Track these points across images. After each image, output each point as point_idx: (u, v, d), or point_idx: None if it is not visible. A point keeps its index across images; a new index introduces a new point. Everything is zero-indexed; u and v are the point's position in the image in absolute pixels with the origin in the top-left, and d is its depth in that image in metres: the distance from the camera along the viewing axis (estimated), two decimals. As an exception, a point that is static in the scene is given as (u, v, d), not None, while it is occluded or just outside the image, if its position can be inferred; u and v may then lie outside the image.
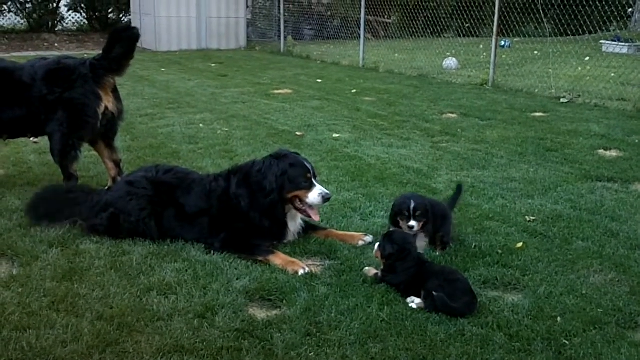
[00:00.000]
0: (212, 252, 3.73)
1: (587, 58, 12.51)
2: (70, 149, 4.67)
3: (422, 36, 14.78)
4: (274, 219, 3.86)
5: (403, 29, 16.10)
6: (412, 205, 3.67)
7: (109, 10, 21.67)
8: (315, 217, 3.89)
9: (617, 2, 13.22)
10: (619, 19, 15.12)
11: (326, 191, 3.86)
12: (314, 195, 3.80)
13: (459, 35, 15.56)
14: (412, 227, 3.66)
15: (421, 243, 3.71)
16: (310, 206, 3.84)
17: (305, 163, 3.90)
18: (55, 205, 4.16)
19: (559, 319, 3.05)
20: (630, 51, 14.10)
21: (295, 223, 3.98)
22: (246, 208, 3.83)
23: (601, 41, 14.75)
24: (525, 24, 14.01)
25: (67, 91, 4.55)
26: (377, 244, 3.52)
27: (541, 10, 12.43)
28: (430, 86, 10.97)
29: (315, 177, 3.90)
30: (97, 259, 3.62)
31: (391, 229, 3.67)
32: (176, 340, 2.80)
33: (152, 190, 3.96)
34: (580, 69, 11.70)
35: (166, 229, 3.91)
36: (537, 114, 8.41)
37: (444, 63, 13.22)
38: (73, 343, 2.75)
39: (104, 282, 3.34)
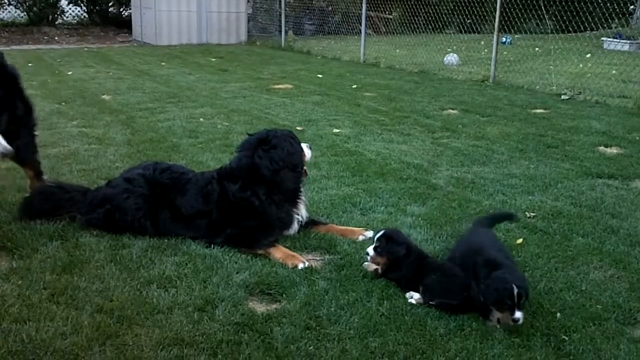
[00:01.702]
0: (212, 246, 3.73)
1: (589, 55, 12.50)
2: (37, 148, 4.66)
3: (423, 32, 14.76)
4: (294, 200, 3.95)
5: (404, 24, 16.07)
6: (516, 291, 2.87)
7: (109, 4, 21.64)
8: (306, 175, 4.20)
9: (619, -1, 13.19)
10: (620, 16, 15.08)
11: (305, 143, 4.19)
12: (308, 151, 4.12)
13: (460, 32, 15.52)
14: (517, 320, 2.88)
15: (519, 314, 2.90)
16: None
17: (289, 131, 4.15)
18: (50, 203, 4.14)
19: (558, 314, 3.05)
20: (631, 48, 14.11)
21: (302, 208, 4.00)
22: (261, 206, 3.82)
23: (602, 38, 14.75)
24: (527, 20, 13.99)
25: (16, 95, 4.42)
26: (370, 250, 3.40)
27: (542, 7, 12.41)
28: (431, 82, 10.96)
29: None
30: (97, 252, 3.61)
31: (382, 230, 3.50)
32: (176, 333, 2.80)
33: (148, 190, 3.95)
34: (581, 65, 11.68)
35: (162, 230, 3.89)
36: (538, 111, 8.40)
37: (445, 59, 13.21)
38: (73, 335, 2.75)
39: (104, 275, 3.34)
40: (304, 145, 4.09)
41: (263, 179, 3.82)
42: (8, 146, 2.87)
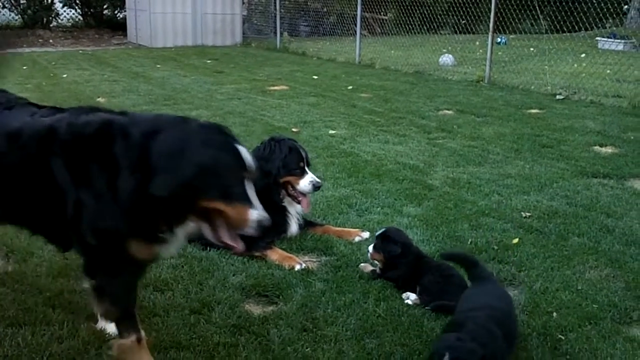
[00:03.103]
0: (209, 248, 3.72)
1: (583, 55, 12.53)
2: None
3: (418, 33, 14.77)
4: (271, 204, 3.84)
5: (399, 25, 16.09)
6: (447, 356, 2.23)
7: (104, 7, 21.60)
8: (305, 207, 3.92)
9: (613, -1, 13.23)
10: (614, 15, 15.12)
11: (317, 179, 3.90)
12: (305, 183, 3.84)
13: (455, 32, 15.57)
14: None
15: None
16: (302, 194, 3.87)
17: (300, 150, 3.94)
18: None
19: (554, 314, 3.06)
20: (625, 48, 14.14)
21: (295, 214, 3.98)
22: None
23: (597, 38, 14.79)
24: (522, 20, 14.04)
25: None
26: (371, 247, 3.44)
27: (537, 7, 12.44)
28: (426, 83, 10.98)
29: (308, 165, 3.94)
30: (93, 255, 3.60)
31: (384, 227, 3.54)
32: (172, 336, 2.79)
33: None
34: (576, 65, 11.70)
35: None
36: (533, 111, 8.42)
37: (440, 60, 13.23)
38: (69, 339, 2.74)
39: (100, 278, 3.33)
40: (307, 178, 3.84)
41: None
42: (265, 214, 2.29)
